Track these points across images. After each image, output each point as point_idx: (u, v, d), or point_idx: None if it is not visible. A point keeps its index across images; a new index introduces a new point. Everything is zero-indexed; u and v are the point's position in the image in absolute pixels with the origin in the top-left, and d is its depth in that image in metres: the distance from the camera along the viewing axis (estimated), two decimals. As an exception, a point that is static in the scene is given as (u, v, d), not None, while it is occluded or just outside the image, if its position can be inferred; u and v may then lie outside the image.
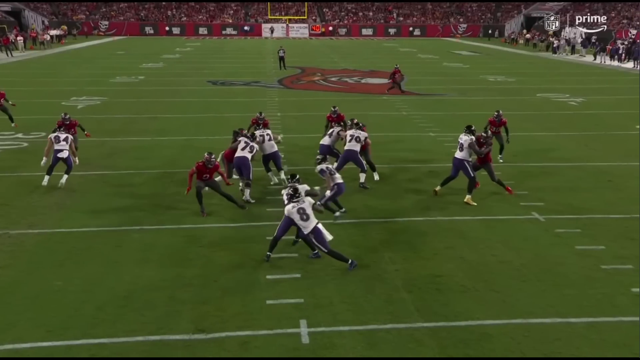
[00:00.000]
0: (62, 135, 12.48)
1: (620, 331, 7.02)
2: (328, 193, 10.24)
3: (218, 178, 11.20)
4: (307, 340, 6.77)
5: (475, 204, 11.35)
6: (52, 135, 12.46)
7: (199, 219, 10.55)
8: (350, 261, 8.47)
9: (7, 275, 8.36)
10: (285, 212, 8.54)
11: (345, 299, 7.71)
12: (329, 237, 8.44)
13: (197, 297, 7.75)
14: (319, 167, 10.34)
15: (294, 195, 8.56)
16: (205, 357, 6.49)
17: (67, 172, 12.34)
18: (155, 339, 6.77)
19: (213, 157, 10.48)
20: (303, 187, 9.15)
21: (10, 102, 18.14)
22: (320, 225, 8.46)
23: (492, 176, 11.65)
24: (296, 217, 8.41)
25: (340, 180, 10.28)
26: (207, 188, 10.76)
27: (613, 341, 6.81)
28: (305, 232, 8.43)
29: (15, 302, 7.60)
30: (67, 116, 13.81)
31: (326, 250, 8.42)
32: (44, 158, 12.63)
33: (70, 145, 12.46)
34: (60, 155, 12.24)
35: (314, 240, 8.42)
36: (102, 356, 6.48)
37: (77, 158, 13.27)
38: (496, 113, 14.20)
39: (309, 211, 8.43)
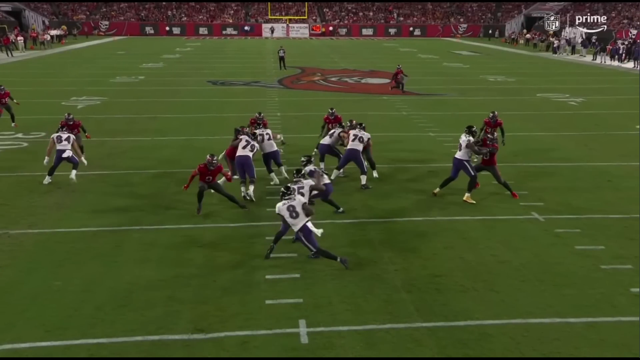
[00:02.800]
0: (64, 135, 12.61)
1: (619, 331, 7.02)
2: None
3: (222, 180, 11.21)
4: (306, 340, 6.77)
5: (474, 202, 11.35)
6: (54, 135, 12.60)
7: (199, 219, 10.56)
8: (339, 258, 8.46)
9: (6, 275, 8.36)
10: (276, 210, 8.56)
11: (345, 299, 7.71)
12: (318, 232, 8.47)
13: (197, 297, 7.75)
14: (309, 168, 10.26)
15: (286, 193, 8.61)
16: (204, 357, 6.49)
17: (74, 168, 12.53)
18: (154, 339, 6.77)
19: (215, 159, 10.47)
20: (308, 182, 9.50)
21: (15, 101, 18.29)
22: (309, 224, 8.48)
23: (498, 179, 11.59)
24: (286, 214, 8.44)
25: (328, 181, 10.30)
26: (212, 190, 10.78)
27: (612, 341, 6.81)
28: (295, 230, 8.45)
29: (15, 302, 7.60)
30: (71, 117, 13.82)
31: (315, 250, 8.45)
32: (46, 157, 12.75)
33: (72, 145, 12.56)
34: (64, 155, 12.37)
35: (302, 238, 8.44)
36: (101, 356, 6.48)
37: (84, 158, 13.34)
38: (491, 114, 14.18)
39: (299, 209, 8.45)
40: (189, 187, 10.80)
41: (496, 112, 14.25)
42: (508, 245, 9.52)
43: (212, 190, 10.82)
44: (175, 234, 9.92)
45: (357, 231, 10.11)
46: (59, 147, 12.42)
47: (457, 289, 8.00)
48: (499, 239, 9.75)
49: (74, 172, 12.49)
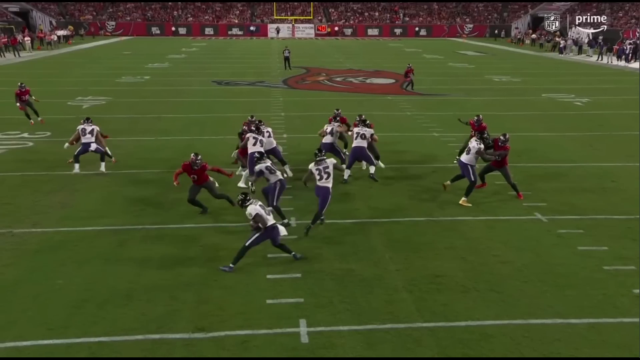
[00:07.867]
0: (88, 128, 13.29)
1: (620, 332, 7.00)
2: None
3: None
4: (307, 339, 6.79)
5: (470, 204, 11.30)
6: (80, 127, 13.31)
7: (200, 219, 10.58)
8: (293, 254, 8.72)
9: (9, 273, 8.42)
10: (252, 212, 8.40)
11: (345, 298, 7.72)
12: (284, 232, 8.75)
13: (197, 296, 7.78)
14: (257, 168, 10.25)
15: (246, 200, 8.54)
16: (205, 357, 6.51)
17: (102, 160, 13.35)
18: (155, 338, 6.80)
19: (199, 158, 10.46)
20: (331, 161, 9.89)
21: (34, 98, 18.81)
22: (280, 226, 8.72)
23: (508, 179, 11.61)
24: (263, 212, 8.47)
25: (281, 177, 10.33)
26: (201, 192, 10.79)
27: (613, 342, 6.79)
28: (268, 224, 8.48)
29: (17, 300, 7.66)
30: (89, 121, 13.86)
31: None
32: (67, 144, 13.75)
33: (97, 136, 13.27)
34: (90, 149, 13.12)
35: (262, 233, 8.48)
36: (103, 355, 6.52)
37: (107, 148, 13.87)
38: (476, 117, 14.12)
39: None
40: (179, 184, 10.85)
41: (481, 116, 14.16)
42: (510, 245, 9.50)
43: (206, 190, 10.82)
44: (176, 233, 9.96)
45: (358, 231, 10.11)
46: (83, 140, 13.14)
47: (458, 289, 7.99)
48: (501, 240, 9.73)
49: (102, 164, 13.30)
